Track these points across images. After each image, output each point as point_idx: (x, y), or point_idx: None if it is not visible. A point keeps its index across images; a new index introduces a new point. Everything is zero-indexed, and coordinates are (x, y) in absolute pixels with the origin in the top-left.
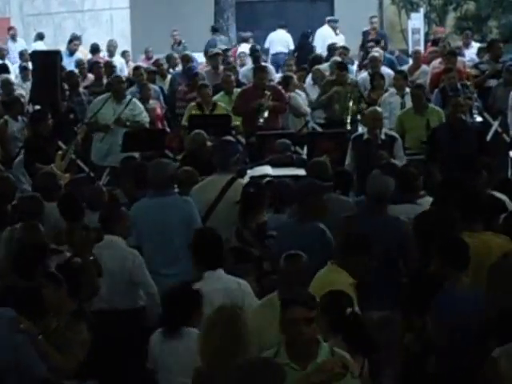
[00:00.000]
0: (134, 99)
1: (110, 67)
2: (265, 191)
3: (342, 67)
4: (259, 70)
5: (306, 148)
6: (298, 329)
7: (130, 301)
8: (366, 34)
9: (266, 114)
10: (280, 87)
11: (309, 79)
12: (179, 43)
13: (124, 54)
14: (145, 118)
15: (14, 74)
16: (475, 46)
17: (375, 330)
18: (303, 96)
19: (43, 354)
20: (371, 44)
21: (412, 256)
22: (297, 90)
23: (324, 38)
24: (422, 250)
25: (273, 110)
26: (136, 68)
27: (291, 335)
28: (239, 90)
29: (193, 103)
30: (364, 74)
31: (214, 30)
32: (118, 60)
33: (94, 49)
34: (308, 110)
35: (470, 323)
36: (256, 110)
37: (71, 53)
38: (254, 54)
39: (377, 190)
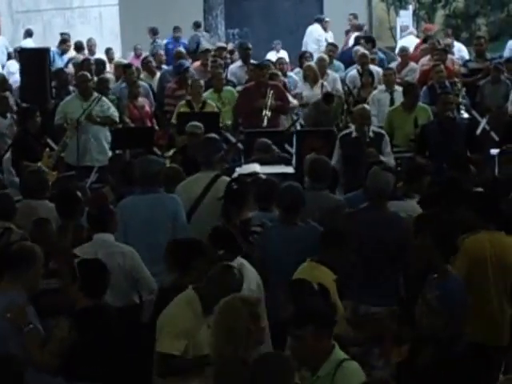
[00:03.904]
0: (102, 96)
1: (100, 65)
2: (248, 188)
3: (328, 100)
4: (258, 68)
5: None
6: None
7: (127, 298)
8: (347, 32)
9: (269, 114)
10: (281, 85)
11: (295, 75)
12: (153, 41)
13: (108, 52)
14: (114, 112)
15: None
16: (457, 45)
17: (374, 324)
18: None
19: (25, 346)
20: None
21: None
22: None
23: (314, 35)
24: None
25: (275, 109)
26: (128, 66)
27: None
28: (228, 87)
29: (183, 101)
30: (353, 72)
31: (197, 25)
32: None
33: (78, 46)
34: (296, 103)
35: None
36: (261, 109)
37: (63, 52)
38: (245, 51)
39: (378, 186)
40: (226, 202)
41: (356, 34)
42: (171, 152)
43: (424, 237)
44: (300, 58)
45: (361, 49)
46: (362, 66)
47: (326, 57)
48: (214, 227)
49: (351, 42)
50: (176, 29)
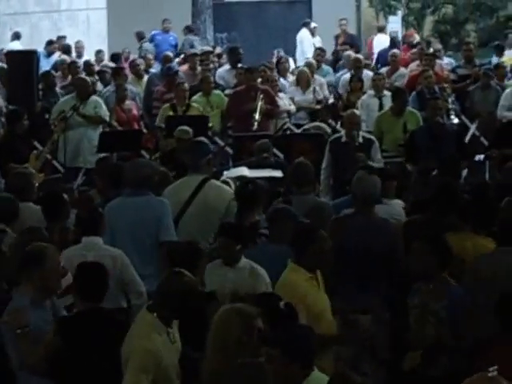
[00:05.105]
0: (95, 97)
1: (88, 67)
2: (261, 190)
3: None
4: (249, 72)
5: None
6: None
7: (116, 302)
8: (337, 37)
9: (259, 118)
10: (270, 90)
11: (284, 80)
12: (140, 45)
13: (98, 54)
14: (105, 111)
15: None
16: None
17: (362, 329)
18: (286, 101)
19: (19, 348)
20: (343, 47)
21: (400, 257)
22: (279, 94)
23: (302, 40)
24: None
25: (266, 113)
26: (121, 68)
27: None
28: (216, 91)
29: (166, 104)
30: (346, 76)
31: (190, 30)
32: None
33: (66, 49)
34: (293, 108)
35: None
36: (252, 112)
37: (49, 54)
38: (237, 55)
39: (364, 190)
40: (240, 204)
41: (379, 35)
42: (157, 155)
43: (420, 242)
44: (277, 63)
45: (352, 53)
46: (355, 71)
47: (313, 62)
48: (226, 222)
49: (376, 43)
50: (165, 20)
